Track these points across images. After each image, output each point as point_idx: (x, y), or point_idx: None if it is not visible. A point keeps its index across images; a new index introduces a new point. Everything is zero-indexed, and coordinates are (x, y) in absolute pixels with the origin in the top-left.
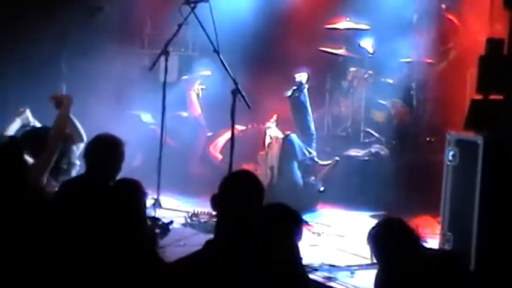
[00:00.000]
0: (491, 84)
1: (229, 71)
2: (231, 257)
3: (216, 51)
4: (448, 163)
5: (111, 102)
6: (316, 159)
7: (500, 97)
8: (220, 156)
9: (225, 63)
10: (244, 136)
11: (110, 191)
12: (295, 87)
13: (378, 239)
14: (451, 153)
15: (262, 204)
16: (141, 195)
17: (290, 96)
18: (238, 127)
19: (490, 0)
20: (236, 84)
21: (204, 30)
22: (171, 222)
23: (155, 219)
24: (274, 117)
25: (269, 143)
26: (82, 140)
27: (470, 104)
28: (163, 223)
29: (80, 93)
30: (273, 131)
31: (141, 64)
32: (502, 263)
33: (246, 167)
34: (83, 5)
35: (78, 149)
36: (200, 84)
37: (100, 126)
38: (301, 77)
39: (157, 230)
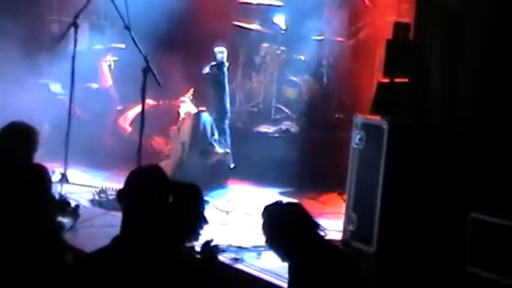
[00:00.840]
0: (397, 68)
1: (140, 49)
2: (136, 255)
3: (127, 28)
4: (355, 146)
5: (17, 70)
6: (214, 143)
7: (405, 80)
8: (129, 129)
9: (136, 40)
10: (156, 111)
11: (15, 176)
12: (213, 63)
13: (275, 221)
14: (357, 136)
15: (168, 198)
16: (46, 180)
17: (208, 73)
18: (150, 101)
19: None
20: (147, 62)
21: (115, 6)
22: (77, 206)
23: (63, 204)
24: (191, 91)
25: (182, 118)
26: None
27: (377, 86)
28: (71, 208)
29: None
30: (187, 106)
31: (50, 31)
32: (402, 244)
33: (157, 139)
34: None
35: None
36: (113, 56)
37: (6, 95)
38: (222, 53)
39: (65, 218)
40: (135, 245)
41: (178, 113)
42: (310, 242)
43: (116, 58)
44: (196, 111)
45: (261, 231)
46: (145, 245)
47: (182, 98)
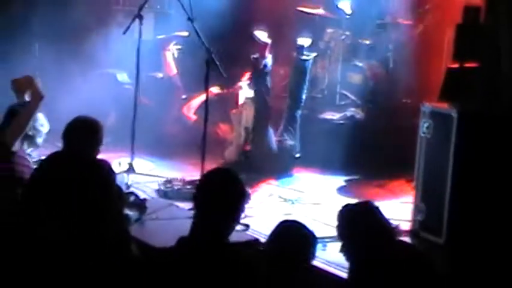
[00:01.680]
0: (467, 53)
1: (204, 41)
2: (202, 260)
3: (190, 19)
4: (422, 135)
5: (86, 60)
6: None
7: (476, 65)
8: (194, 117)
9: (199, 32)
10: (220, 99)
11: (78, 171)
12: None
13: (351, 222)
14: (425, 125)
15: (242, 205)
16: (109, 175)
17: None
18: (214, 90)
19: None
20: (210, 54)
21: None
22: (145, 199)
23: (131, 196)
24: (247, 75)
25: (243, 103)
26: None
27: (446, 72)
28: (138, 200)
29: (53, 51)
30: (245, 91)
31: (116, 21)
32: (472, 235)
33: (222, 126)
34: None
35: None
36: (176, 45)
37: (75, 87)
38: (303, 41)
39: (131, 211)
40: (202, 250)
41: (237, 98)
42: (383, 244)
43: (179, 46)
44: (252, 93)
45: (335, 230)
46: (212, 251)
47: (239, 83)
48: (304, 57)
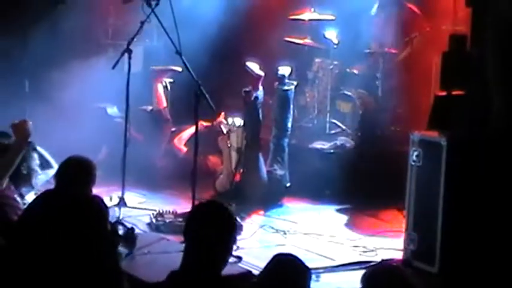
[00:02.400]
0: (454, 81)
1: (193, 74)
2: None
3: (179, 53)
4: (412, 163)
5: (76, 95)
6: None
7: (462, 92)
8: (184, 149)
9: (187, 65)
10: (210, 131)
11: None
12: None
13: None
14: (415, 153)
15: (234, 236)
16: (101, 211)
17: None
18: (204, 123)
19: None
20: (199, 86)
21: (166, 32)
22: (133, 229)
23: (119, 227)
24: (222, 114)
25: (229, 129)
26: (51, 167)
27: (434, 100)
28: (126, 230)
29: (43, 87)
30: (228, 121)
31: (106, 55)
32: (466, 263)
33: (211, 158)
34: None
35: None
36: (168, 77)
37: (66, 122)
38: (284, 70)
39: (122, 244)
40: (196, 284)
41: (222, 131)
42: None
43: (171, 80)
44: (242, 122)
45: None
46: (206, 284)
47: (220, 119)
48: (285, 87)
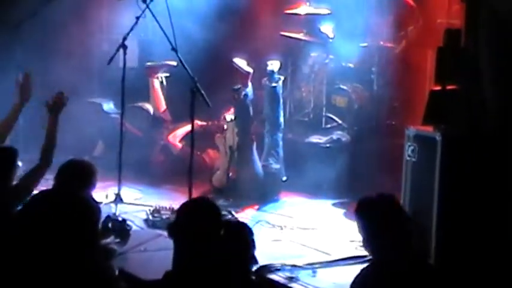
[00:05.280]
0: (448, 75)
1: (188, 70)
2: None
3: (174, 50)
4: (408, 158)
5: (72, 90)
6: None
7: (457, 87)
8: (179, 145)
9: (183, 61)
10: (205, 130)
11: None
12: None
13: (375, 214)
14: (410, 148)
15: (220, 231)
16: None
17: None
18: (199, 122)
19: None
20: (195, 83)
21: (161, 28)
22: (124, 220)
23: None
24: (232, 110)
25: (226, 128)
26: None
27: (429, 95)
28: (119, 224)
29: (37, 80)
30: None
31: (100, 49)
32: (461, 258)
33: (210, 152)
34: None
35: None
36: (164, 72)
37: (62, 117)
38: (273, 65)
39: (115, 241)
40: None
41: (223, 128)
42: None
43: (167, 74)
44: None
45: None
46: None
47: (227, 117)
48: (273, 83)
